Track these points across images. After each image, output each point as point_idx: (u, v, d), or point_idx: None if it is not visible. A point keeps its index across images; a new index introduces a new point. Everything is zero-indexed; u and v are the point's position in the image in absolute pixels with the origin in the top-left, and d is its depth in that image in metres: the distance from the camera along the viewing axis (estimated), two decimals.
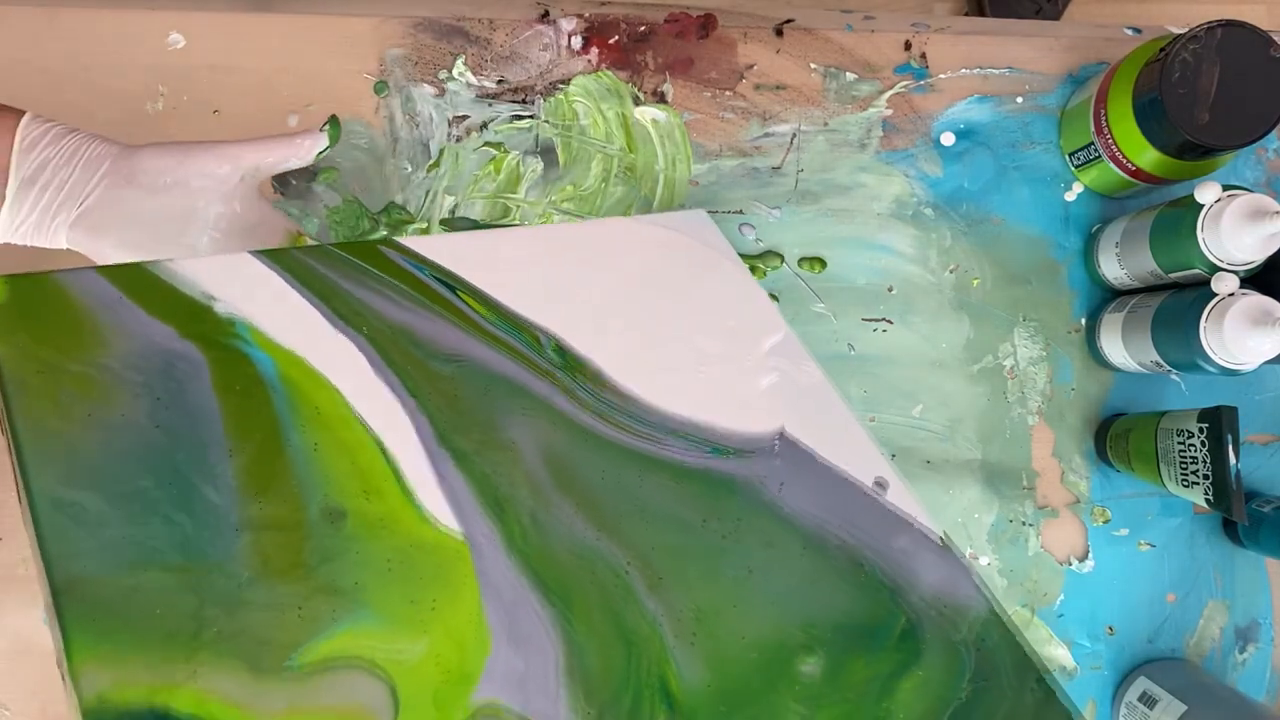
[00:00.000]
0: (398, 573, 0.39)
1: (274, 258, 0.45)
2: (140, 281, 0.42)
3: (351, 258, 0.46)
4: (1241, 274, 0.54)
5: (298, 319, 0.44)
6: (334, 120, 0.50)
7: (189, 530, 0.37)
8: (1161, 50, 0.55)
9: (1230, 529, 0.63)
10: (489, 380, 0.45)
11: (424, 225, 0.61)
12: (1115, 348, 0.61)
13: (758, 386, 0.50)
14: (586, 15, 0.63)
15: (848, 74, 0.65)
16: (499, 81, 0.63)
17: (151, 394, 0.39)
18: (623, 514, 0.44)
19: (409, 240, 0.48)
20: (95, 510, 0.36)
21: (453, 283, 0.48)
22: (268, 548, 0.38)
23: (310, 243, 0.54)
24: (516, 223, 0.62)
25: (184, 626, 0.35)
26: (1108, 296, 0.64)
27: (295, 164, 0.50)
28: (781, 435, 0.48)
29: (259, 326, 0.43)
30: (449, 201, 0.62)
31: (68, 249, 0.48)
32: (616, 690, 0.39)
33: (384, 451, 0.42)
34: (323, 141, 0.50)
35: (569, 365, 0.47)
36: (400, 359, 0.44)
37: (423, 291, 0.47)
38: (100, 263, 0.48)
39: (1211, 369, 0.53)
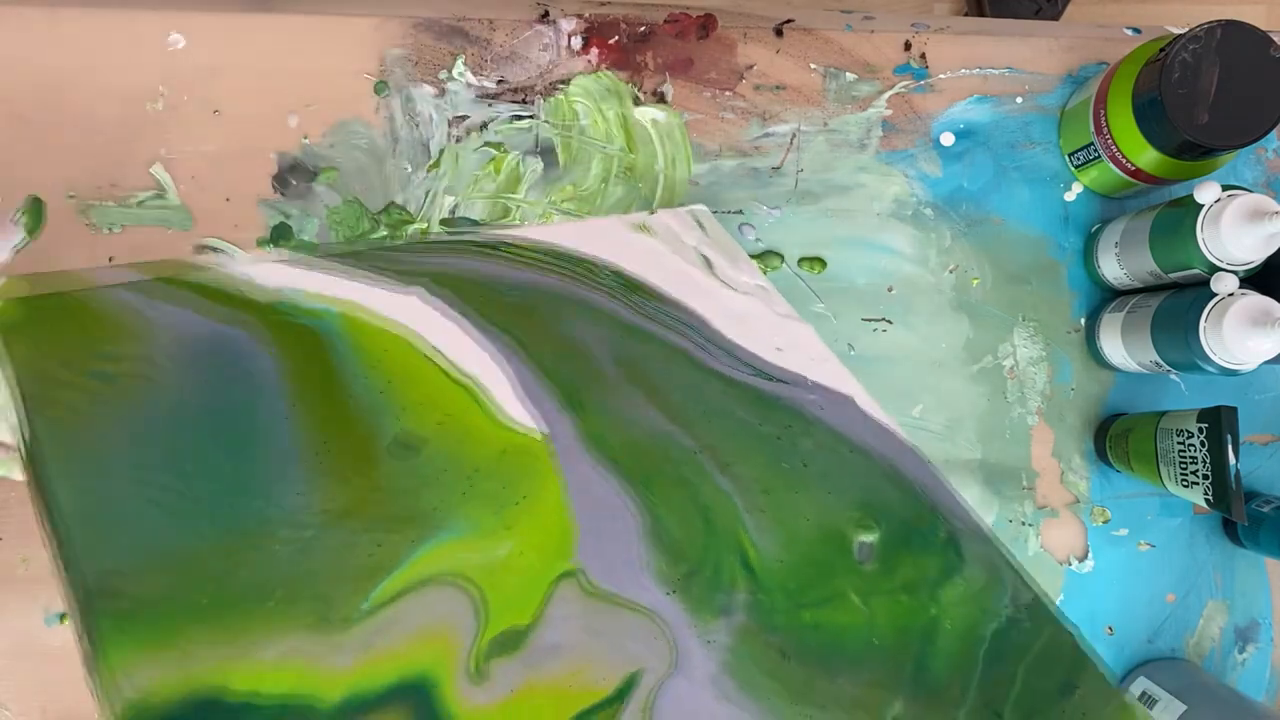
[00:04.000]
0: (481, 484, 0.38)
1: (303, 259, 0.44)
2: (171, 285, 0.40)
3: (380, 250, 0.46)
4: (1241, 274, 0.54)
5: (349, 282, 0.43)
6: (34, 208, 0.44)
7: (239, 499, 0.34)
8: (1161, 50, 0.55)
9: (1230, 529, 0.63)
10: (554, 298, 0.47)
11: (424, 225, 0.61)
12: (1115, 348, 0.61)
13: (779, 342, 0.52)
14: (586, 15, 0.63)
15: (848, 74, 0.65)
16: (499, 81, 0.63)
17: (199, 374, 0.37)
18: (688, 406, 0.45)
19: (432, 238, 0.48)
20: (124, 511, 0.33)
21: (492, 244, 0.48)
22: (337, 494, 0.36)
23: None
24: (517, 223, 0.62)
25: (238, 603, 0.32)
26: (1107, 296, 0.64)
27: None
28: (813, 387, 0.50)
29: (302, 302, 0.41)
30: (449, 201, 0.62)
31: None
32: (700, 558, 0.40)
33: (463, 375, 0.41)
34: (16, 235, 0.45)
35: (626, 284, 0.49)
36: (467, 295, 0.44)
37: (465, 250, 0.47)
38: None
39: (1211, 369, 0.53)
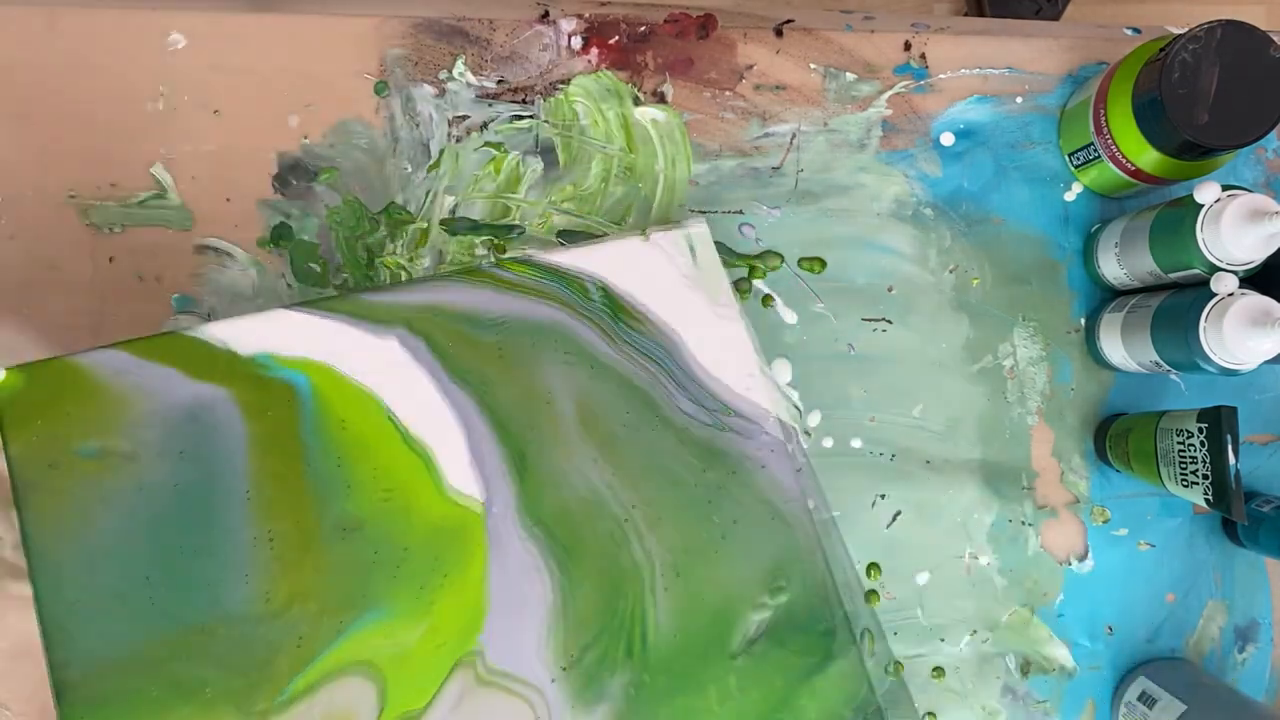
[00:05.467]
0: (411, 563, 0.42)
1: (301, 306, 0.47)
2: (157, 346, 0.44)
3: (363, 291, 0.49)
4: (1241, 274, 0.54)
5: (326, 333, 0.45)
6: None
7: (194, 591, 0.38)
8: (1161, 50, 0.55)
9: (1230, 529, 0.63)
10: (534, 331, 0.49)
11: (424, 225, 0.61)
12: (1115, 348, 0.61)
13: (752, 368, 0.53)
14: (586, 15, 0.63)
15: (847, 74, 0.65)
16: (499, 81, 0.63)
17: (175, 450, 0.41)
18: (636, 459, 0.48)
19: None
20: (98, 605, 0.38)
21: (495, 259, 0.51)
22: (280, 582, 0.39)
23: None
24: (516, 223, 0.62)
25: (180, 695, 0.36)
26: (1107, 296, 0.64)
27: None
28: (770, 429, 0.51)
29: (282, 353, 0.44)
30: (449, 201, 0.62)
31: None
32: (600, 629, 0.43)
33: (414, 444, 0.44)
34: None
35: (613, 306, 0.51)
36: (442, 339, 0.47)
37: (452, 278, 0.50)
38: None
39: (1211, 369, 0.53)
